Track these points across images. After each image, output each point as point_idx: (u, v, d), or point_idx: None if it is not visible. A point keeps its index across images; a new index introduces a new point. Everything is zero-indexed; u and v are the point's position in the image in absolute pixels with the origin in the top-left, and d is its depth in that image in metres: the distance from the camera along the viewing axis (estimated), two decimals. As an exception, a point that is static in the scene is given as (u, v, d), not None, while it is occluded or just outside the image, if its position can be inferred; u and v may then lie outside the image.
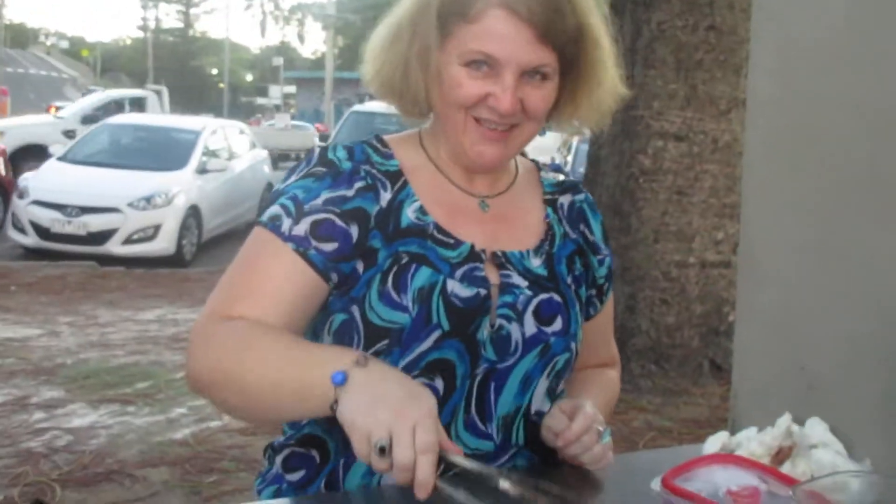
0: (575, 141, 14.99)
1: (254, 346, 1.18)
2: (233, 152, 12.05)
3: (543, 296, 1.33)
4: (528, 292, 1.32)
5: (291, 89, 49.34)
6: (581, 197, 1.47)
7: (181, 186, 10.27)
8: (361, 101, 19.99)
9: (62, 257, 9.43)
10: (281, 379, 1.16)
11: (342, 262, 1.27)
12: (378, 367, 1.13)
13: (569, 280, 1.38)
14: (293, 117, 35.97)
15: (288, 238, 1.26)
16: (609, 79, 1.35)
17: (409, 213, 1.32)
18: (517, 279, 1.33)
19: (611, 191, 5.60)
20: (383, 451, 1.03)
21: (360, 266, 1.28)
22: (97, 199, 9.74)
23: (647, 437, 4.63)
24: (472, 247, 1.32)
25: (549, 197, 1.44)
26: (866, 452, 1.29)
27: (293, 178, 1.32)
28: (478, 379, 1.30)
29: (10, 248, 10.48)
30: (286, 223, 1.26)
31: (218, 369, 1.19)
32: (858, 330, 1.33)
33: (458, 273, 1.29)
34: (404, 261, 1.28)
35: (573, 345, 1.36)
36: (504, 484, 1.09)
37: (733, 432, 1.45)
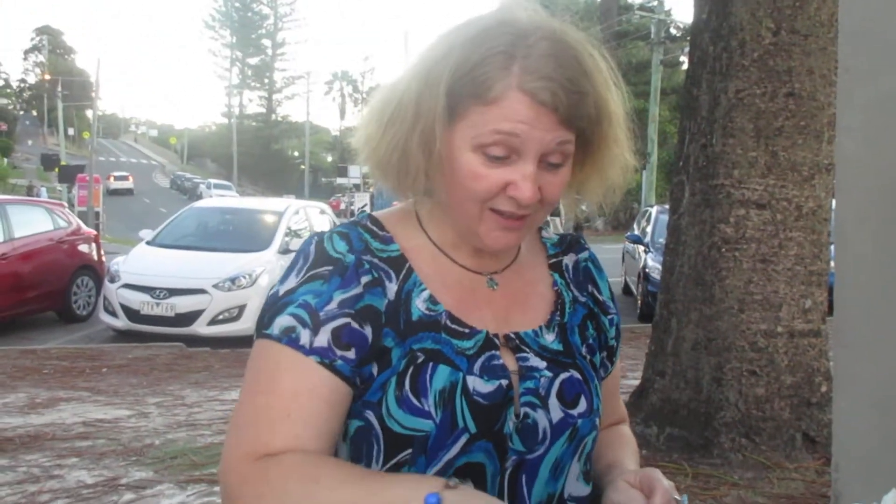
0: (654, 210, 14.88)
1: (320, 486, 1.07)
2: (314, 231, 12.27)
3: (564, 375, 1.27)
4: (549, 373, 1.26)
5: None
6: (585, 255, 1.43)
7: (264, 266, 10.48)
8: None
9: (151, 339, 9.65)
10: None
11: (363, 367, 1.20)
12: (471, 491, 1.05)
13: (584, 351, 1.33)
14: (373, 196, 36.51)
15: (311, 352, 1.16)
16: (621, 155, 1.29)
17: (418, 305, 1.24)
18: (535, 360, 1.27)
19: (692, 260, 5.52)
20: None
21: (374, 369, 1.20)
22: (184, 281, 9.99)
23: (741, 514, 4.48)
24: (486, 335, 1.26)
25: (553, 260, 1.40)
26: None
27: (294, 280, 1.22)
28: (508, 472, 1.23)
29: (101, 330, 10.80)
30: (304, 335, 1.17)
31: None
32: (963, 399, 1.28)
33: (477, 366, 1.22)
34: (420, 360, 1.20)
35: (597, 421, 1.31)
36: None
37: (835, 508, 1.40)
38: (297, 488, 1.08)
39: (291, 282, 1.22)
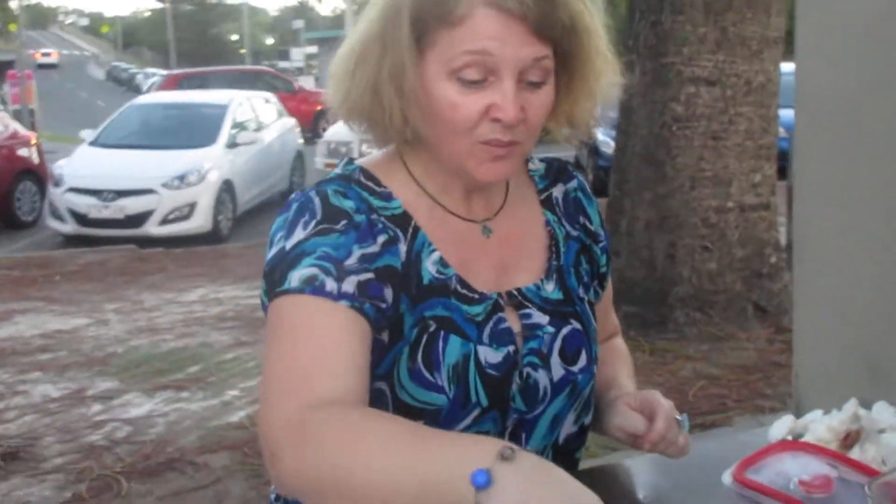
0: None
1: (364, 442, 0.95)
2: (261, 123, 12.06)
3: (565, 329, 1.26)
4: (551, 329, 1.25)
5: (313, 50, 49.06)
6: (574, 185, 1.38)
7: (213, 162, 10.32)
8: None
9: (101, 242, 9.55)
10: (406, 484, 0.91)
11: (384, 322, 1.14)
12: (529, 461, 0.89)
13: (580, 292, 1.32)
14: (317, 79, 35.87)
15: (339, 296, 1.07)
16: (608, 68, 1.22)
17: (429, 267, 1.20)
18: (538, 316, 1.25)
19: (644, 141, 5.54)
20: None
21: (385, 336, 1.16)
22: (132, 181, 9.83)
23: (697, 387, 4.64)
24: (494, 299, 1.23)
25: (543, 196, 1.35)
26: (937, 434, 1.28)
27: (301, 233, 1.12)
28: (507, 431, 1.23)
29: (49, 237, 10.63)
30: (329, 283, 1.08)
31: (321, 477, 0.95)
32: (922, 311, 1.32)
33: (486, 334, 1.20)
34: (432, 328, 1.17)
35: (595, 367, 1.31)
36: None
37: (797, 415, 1.45)
38: (336, 443, 0.96)
39: (300, 234, 1.12)
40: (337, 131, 11.99)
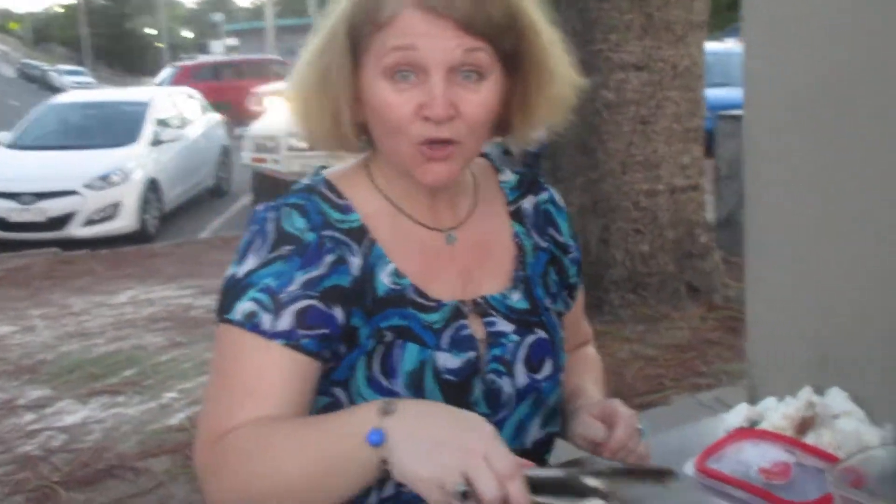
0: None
1: (270, 445, 1.07)
2: (185, 119, 11.85)
3: (530, 338, 1.28)
4: (516, 337, 1.27)
5: (234, 42, 48.37)
6: (545, 197, 1.39)
7: (137, 161, 10.11)
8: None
9: (23, 247, 9.29)
10: (314, 469, 1.04)
11: (332, 345, 1.18)
12: (412, 404, 1.04)
13: (547, 302, 1.33)
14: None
15: (273, 335, 1.14)
16: (561, 68, 1.24)
17: (384, 279, 1.22)
18: (502, 325, 1.27)
19: (576, 128, 5.55)
20: (465, 495, 0.95)
21: (342, 348, 1.19)
22: (53, 183, 9.56)
23: (635, 368, 4.71)
24: (454, 306, 1.24)
25: (513, 207, 1.36)
26: (887, 418, 1.32)
27: (252, 260, 1.18)
28: None
29: (-33, 243, 10.31)
30: (266, 319, 1.14)
31: (240, 494, 1.08)
32: (870, 299, 1.35)
33: (445, 340, 1.22)
34: (388, 338, 1.20)
35: (561, 376, 1.33)
36: (590, 481, 1.08)
37: (752, 403, 1.48)
38: (242, 461, 1.08)
39: (250, 262, 1.18)
40: (263, 126, 11.86)
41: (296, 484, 1.04)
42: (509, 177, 1.38)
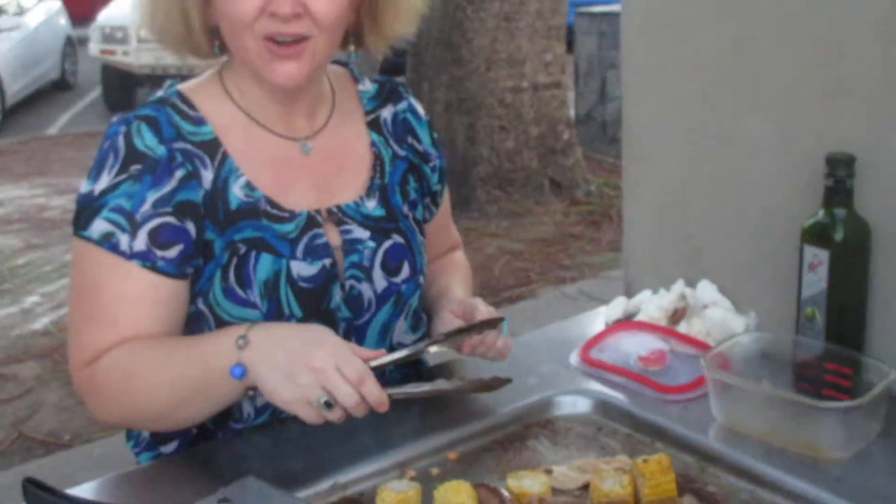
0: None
1: (141, 374, 1.17)
2: (21, 6, 11.10)
3: (387, 243, 1.31)
4: (372, 244, 1.30)
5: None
6: (403, 106, 1.41)
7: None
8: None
9: None
10: (185, 396, 1.15)
11: (192, 259, 1.21)
12: (262, 335, 1.12)
13: (405, 209, 1.36)
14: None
15: (131, 255, 1.17)
16: None
17: (236, 192, 1.23)
18: (358, 232, 1.30)
19: (439, 24, 5.58)
20: (329, 405, 1.06)
21: (200, 261, 1.23)
22: None
23: (502, 262, 4.87)
24: (308, 215, 1.27)
25: (371, 117, 1.37)
26: (751, 307, 1.45)
27: (105, 178, 1.19)
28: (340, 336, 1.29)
29: None
30: (123, 239, 1.17)
31: (124, 415, 1.21)
32: (738, 198, 1.47)
33: (300, 249, 1.25)
34: (242, 251, 1.22)
35: (421, 279, 1.36)
36: (434, 348, 1.22)
37: (629, 296, 1.60)
38: (120, 387, 1.17)
39: (104, 181, 1.20)
40: (111, 14, 11.22)
41: (170, 406, 1.17)
42: (368, 86, 1.40)
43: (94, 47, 10.95)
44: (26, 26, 10.79)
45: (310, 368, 1.07)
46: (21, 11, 10.95)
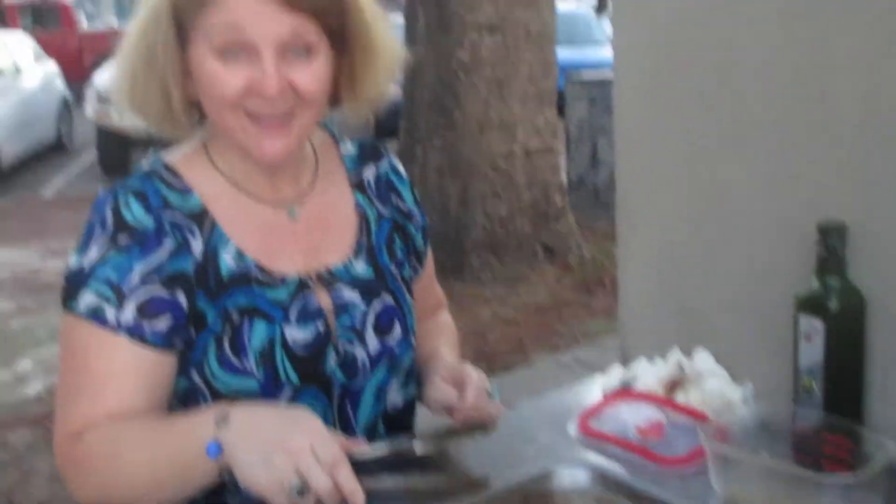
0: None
1: (123, 451, 1.15)
2: (18, 67, 11.20)
3: (378, 304, 1.32)
4: (363, 306, 1.31)
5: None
6: (385, 166, 1.42)
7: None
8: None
9: None
10: (164, 474, 1.14)
11: (181, 331, 1.21)
12: (241, 415, 1.11)
13: (393, 269, 1.37)
14: (89, 17, 33.47)
15: (118, 328, 1.17)
16: (386, 42, 1.29)
17: (227, 260, 1.24)
18: (349, 294, 1.30)
19: (432, 88, 5.65)
20: (301, 492, 1.04)
21: (192, 331, 1.22)
22: None
23: (496, 329, 4.85)
24: (299, 280, 1.28)
25: (354, 179, 1.39)
26: (747, 377, 1.46)
27: (93, 251, 1.20)
28: (335, 403, 1.29)
29: None
30: (110, 312, 1.17)
31: (105, 495, 1.17)
32: (732, 266, 1.48)
33: (293, 314, 1.25)
34: (236, 319, 1.23)
35: (412, 338, 1.37)
36: (420, 449, 1.19)
37: (624, 364, 1.60)
38: (101, 464, 1.16)
39: (92, 254, 1.20)
40: (107, 77, 11.31)
41: (148, 486, 1.15)
42: (350, 149, 1.42)
43: (89, 109, 11.00)
44: (23, 88, 10.88)
45: (285, 450, 1.06)
46: (18, 73, 11.05)
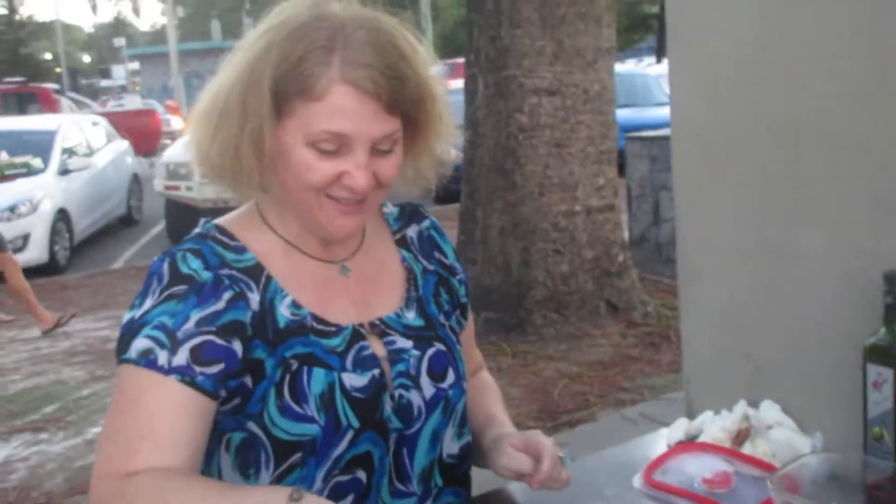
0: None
1: (172, 501, 1.11)
2: (92, 147, 11.61)
3: (430, 351, 1.35)
4: (416, 352, 1.34)
5: (135, 66, 47.42)
6: (426, 224, 1.48)
7: (45, 191, 9.86)
8: (213, 72, 19.13)
9: (-71, 281, 8.96)
10: None
11: (230, 380, 1.22)
12: (313, 500, 1.09)
13: (442, 319, 1.41)
14: (142, 96, 34.72)
15: (170, 371, 1.18)
16: (445, 129, 1.35)
17: (283, 312, 1.28)
18: (402, 342, 1.34)
19: (492, 151, 5.71)
20: None
21: (248, 381, 1.24)
22: (-42, 215, 9.27)
23: (560, 386, 4.82)
24: (353, 329, 1.31)
25: (398, 236, 1.45)
26: (816, 427, 1.43)
27: (149, 302, 1.22)
28: (391, 450, 1.31)
29: None
30: (162, 356, 1.18)
31: None
32: (796, 316, 1.47)
33: (349, 361, 1.28)
34: (294, 367, 1.25)
35: (465, 384, 1.40)
36: None
37: (690, 417, 1.59)
38: None
39: (147, 304, 1.22)
40: (175, 153, 11.66)
41: None
42: (391, 209, 1.48)
43: (158, 183, 11.35)
44: (95, 166, 11.26)
45: None
46: (91, 152, 11.44)
